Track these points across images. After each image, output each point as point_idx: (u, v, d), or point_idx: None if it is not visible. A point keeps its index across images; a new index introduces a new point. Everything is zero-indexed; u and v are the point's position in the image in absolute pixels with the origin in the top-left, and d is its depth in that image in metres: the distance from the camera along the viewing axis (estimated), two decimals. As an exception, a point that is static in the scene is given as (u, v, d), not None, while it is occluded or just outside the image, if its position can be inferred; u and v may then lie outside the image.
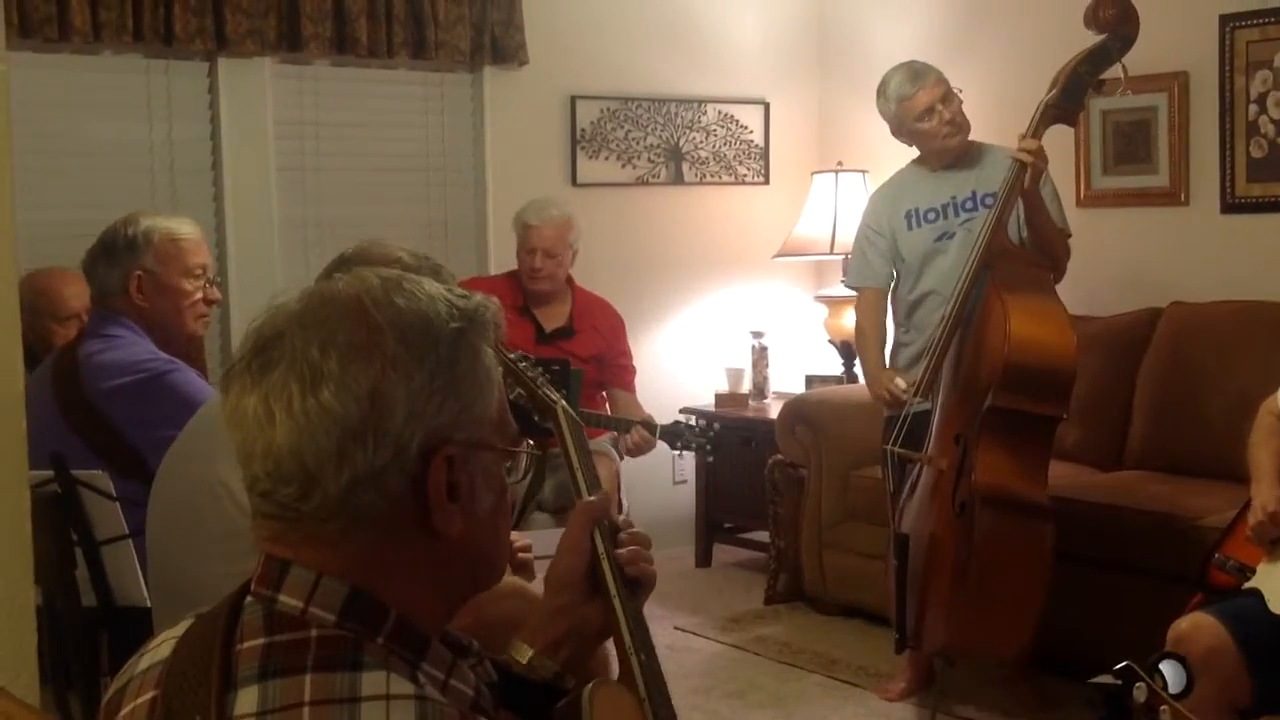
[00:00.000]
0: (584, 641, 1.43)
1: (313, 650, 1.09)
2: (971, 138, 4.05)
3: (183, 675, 1.12)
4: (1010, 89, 4.99)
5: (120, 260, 2.95)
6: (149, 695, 1.14)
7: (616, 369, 4.71)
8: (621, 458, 4.55)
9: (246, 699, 1.07)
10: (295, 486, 1.13)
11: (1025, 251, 3.81)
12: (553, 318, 4.65)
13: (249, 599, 1.16)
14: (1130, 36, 3.59)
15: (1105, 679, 1.59)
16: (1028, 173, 3.61)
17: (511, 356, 1.73)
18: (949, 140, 3.97)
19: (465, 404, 1.18)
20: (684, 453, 4.26)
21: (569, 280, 4.75)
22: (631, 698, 1.32)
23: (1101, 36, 3.60)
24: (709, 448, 4.22)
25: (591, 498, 1.52)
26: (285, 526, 1.15)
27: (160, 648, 1.18)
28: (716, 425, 4.32)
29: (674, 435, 4.21)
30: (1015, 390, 3.48)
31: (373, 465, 1.13)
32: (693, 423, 4.31)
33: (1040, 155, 3.62)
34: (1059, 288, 3.75)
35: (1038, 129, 3.63)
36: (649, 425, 4.22)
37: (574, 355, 4.42)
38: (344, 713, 1.05)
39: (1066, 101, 3.63)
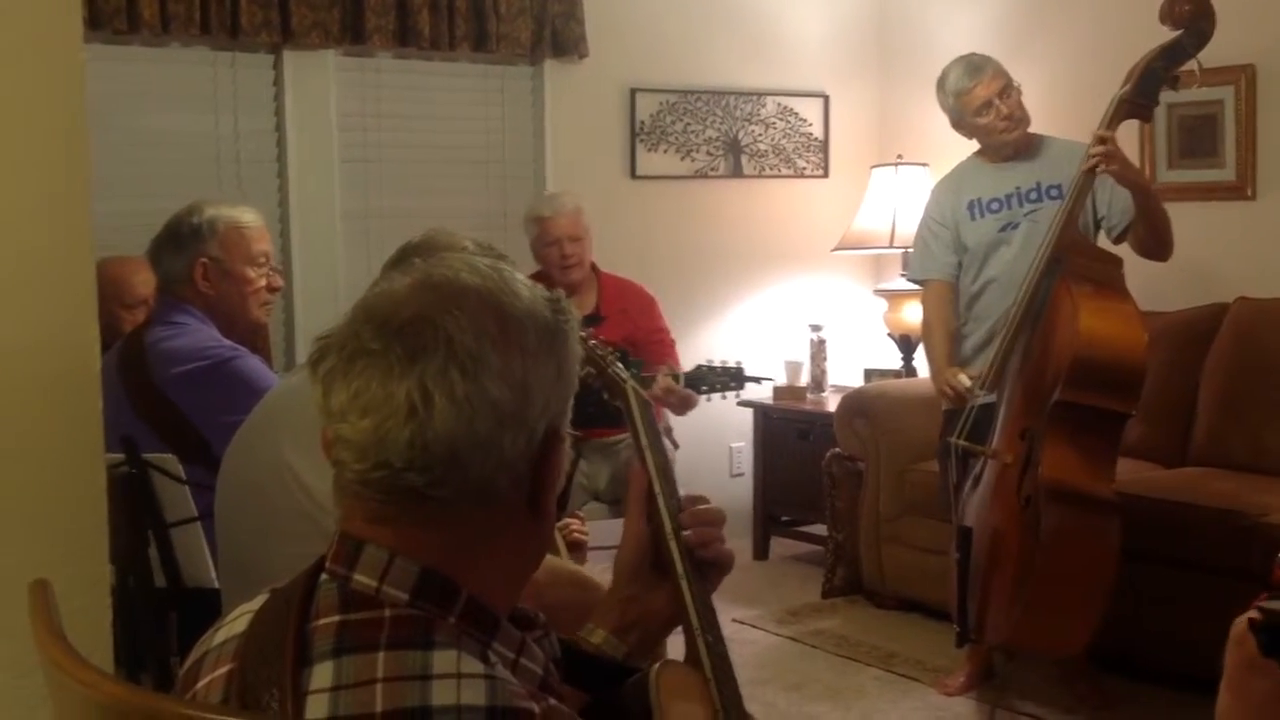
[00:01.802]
0: (651, 629, 1.45)
1: (386, 629, 1.11)
2: (1035, 130, 4.03)
3: (259, 649, 1.14)
4: (1074, 80, 4.96)
5: (185, 248, 2.99)
6: (226, 668, 1.16)
7: (653, 345, 4.60)
8: (672, 436, 4.52)
9: (321, 674, 1.09)
10: (435, 473, 1.13)
11: (1096, 246, 3.79)
12: (580, 308, 4.56)
13: (324, 576, 1.17)
14: (1206, 32, 3.54)
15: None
16: (1102, 167, 3.57)
17: (581, 335, 1.75)
18: (1007, 135, 3.95)
19: (569, 392, 1.23)
20: (711, 396, 4.14)
21: (593, 267, 4.72)
22: (698, 677, 1.33)
23: (1177, 32, 3.56)
24: (734, 384, 4.14)
25: (641, 473, 1.51)
26: (391, 507, 1.15)
27: (236, 622, 1.20)
28: (739, 361, 4.20)
29: (697, 380, 4.11)
30: (1083, 385, 3.45)
31: (513, 453, 1.16)
32: (715, 364, 4.18)
33: (1114, 148, 3.58)
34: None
35: (1111, 122, 3.60)
36: (672, 373, 4.14)
37: (605, 341, 4.35)
38: (416, 689, 1.07)
39: (1141, 96, 3.59)
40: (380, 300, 1.18)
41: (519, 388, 1.15)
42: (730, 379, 4.09)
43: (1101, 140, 3.57)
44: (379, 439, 1.13)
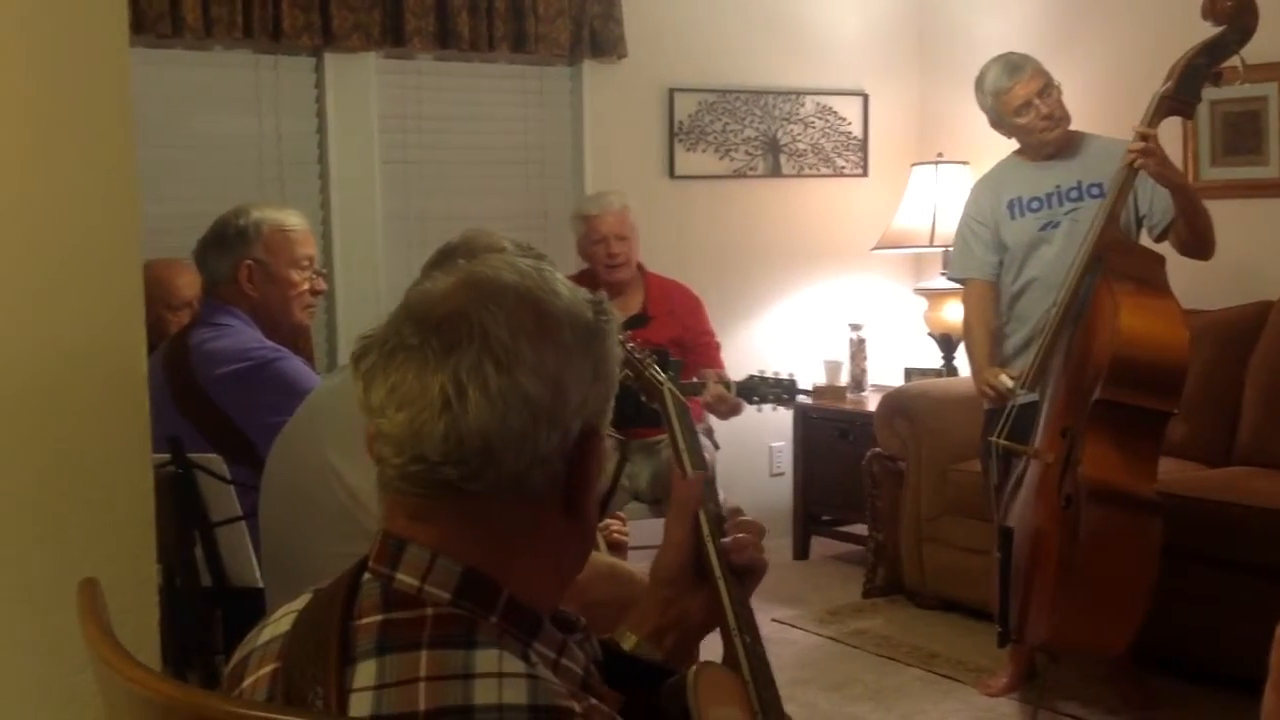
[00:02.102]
0: (686, 633, 1.45)
1: (428, 628, 1.12)
2: (1076, 128, 4.01)
3: (303, 649, 1.15)
4: (1115, 78, 4.92)
5: (231, 250, 3.02)
6: (270, 667, 1.18)
7: (700, 348, 4.64)
8: (712, 437, 4.53)
9: (364, 672, 1.10)
10: (470, 466, 1.14)
11: (1138, 244, 3.76)
12: (626, 308, 4.60)
13: (367, 576, 1.18)
14: (1249, 28, 3.51)
15: None
16: (1140, 163, 3.55)
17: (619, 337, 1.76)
18: (1046, 134, 3.93)
19: (607, 392, 1.24)
20: (762, 407, 4.16)
21: (640, 267, 4.75)
22: (736, 679, 1.33)
23: (1220, 28, 3.53)
24: (788, 398, 4.15)
25: (690, 477, 1.53)
26: (431, 503, 1.16)
27: (280, 621, 1.22)
28: (791, 374, 4.20)
29: (749, 390, 4.12)
30: (1123, 384, 3.42)
31: (547, 449, 1.16)
32: (768, 375, 4.20)
33: (1154, 145, 3.55)
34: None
35: (1153, 120, 3.57)
36: (723, 381, 4.18)
37: (651, 342, 4.39)
38: (458, 688, 1.08)
39: (1182, 93, 3.55)
40: (421, 298, 1.20)
41: (553, 383, 1.16)
42: (783, 391, 4.12)
43: (1143, 137, 3.54)
44: (414, 432, 1.14)
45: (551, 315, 1.19)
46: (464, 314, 1.16)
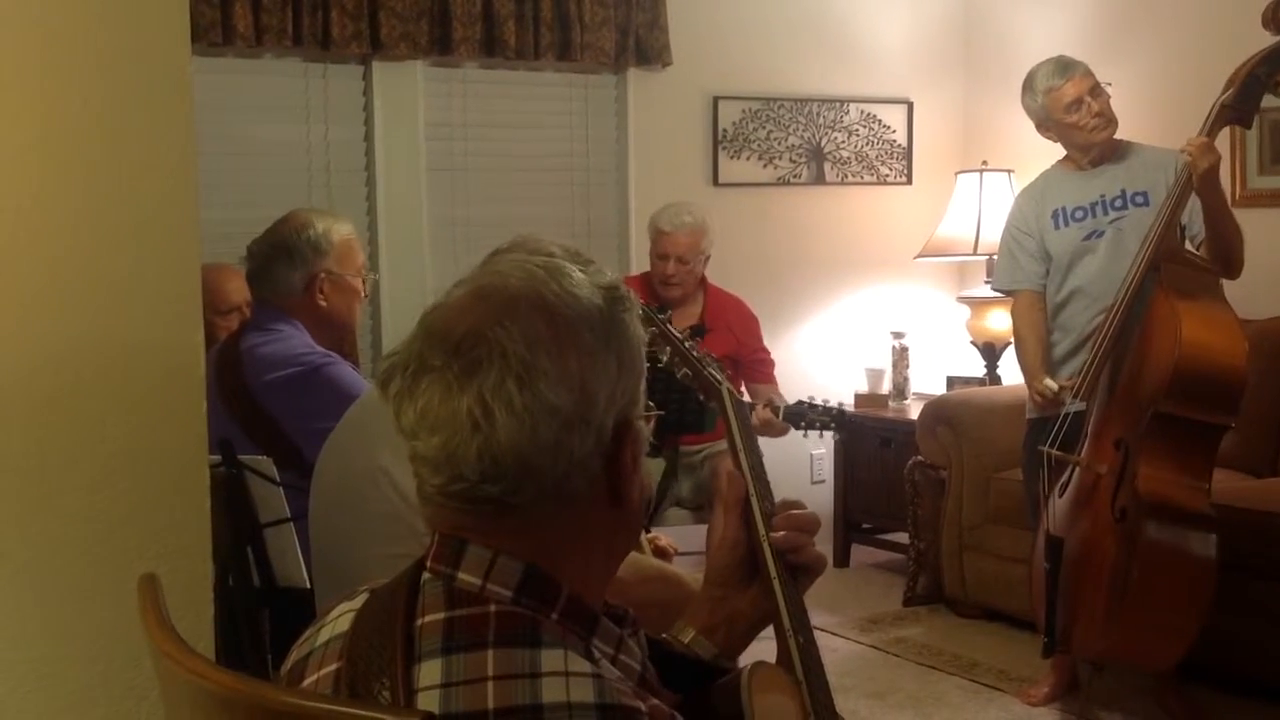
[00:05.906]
0: (737, 629, 1.46)
1: (493, 626, 1.13)
2: (1123, 137, 3.99)
3: (366, 648, 1.16)
4: (1162, 88, 4.90)
5: (305, 263, 3.00)
6: (333, 666, 1.19)
7: (754, 364, 4.67)
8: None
9: (430, 671, 1.11)
10: (508, 482, 1.15)
11: (1194, 254, 3.72)
12: (684, 317, 4.63)
13: (427, 575, 1.19)
14: None
15: None
16: (1188, 160, 3.51)
17: (678, 336, 1.76)
18: (1096, 134, 3.90)
19: (636, 380, 1.24)
20: (809, 433, 4.17)
21: (702, 279, 4.75)
22: (789, 678, 1.34)
23: (1279, 38, 3.50)
24: (834, 426, 4.16)
25: (739, 478, 1.52)
26: (475, 518, 1.18)
27: (339, 620, 1.23)
28: (841, 404, 4.22)
29: (797, 416, 4.13)
30: (1184, 397, 3.37)
31: (583, 452, 1.17)
32: (817, 402, 4.21)
33: (1208, 152, 3.51)
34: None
35: (1212, 129, 3.53)
36: (773, 406, 4.18)
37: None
38: (526, 687, 1.09)
39: (1242, 102, 3.52)
40: (437, 317, 1.20)
41: (578, 389, 1.16)
42: (830, 419, 4.12)
43: (1205, 147, 3.49)
44: (449, 454, 1.15)
45: (566, 319, 1.19)
46: (480, 333, 1.16)
